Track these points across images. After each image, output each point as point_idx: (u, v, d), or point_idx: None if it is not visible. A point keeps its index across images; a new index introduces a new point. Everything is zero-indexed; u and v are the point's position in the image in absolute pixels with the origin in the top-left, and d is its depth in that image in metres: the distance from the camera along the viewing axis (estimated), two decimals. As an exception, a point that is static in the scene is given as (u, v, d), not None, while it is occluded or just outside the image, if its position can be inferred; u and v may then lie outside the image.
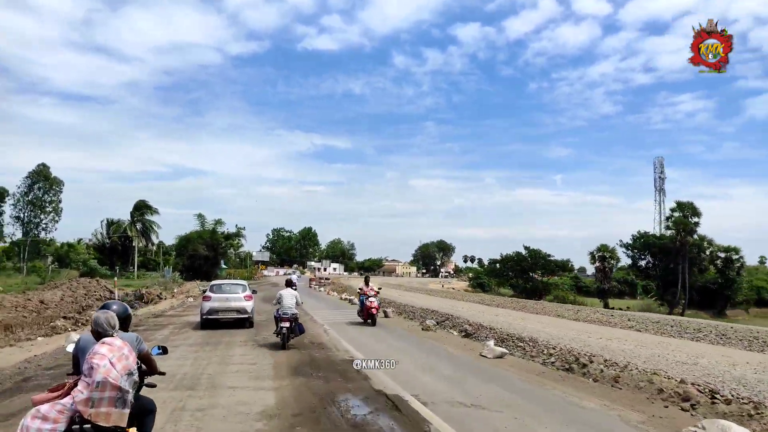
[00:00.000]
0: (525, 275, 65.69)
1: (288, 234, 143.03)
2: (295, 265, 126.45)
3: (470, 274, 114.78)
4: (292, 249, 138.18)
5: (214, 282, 17.69)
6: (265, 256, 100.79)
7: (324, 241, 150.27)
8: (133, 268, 59.44)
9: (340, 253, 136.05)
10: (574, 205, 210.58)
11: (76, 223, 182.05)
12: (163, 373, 4.29)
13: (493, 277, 76.66)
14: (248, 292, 15.95)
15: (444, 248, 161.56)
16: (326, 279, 57.60)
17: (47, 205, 62.45)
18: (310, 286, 50.43)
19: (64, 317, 17.85)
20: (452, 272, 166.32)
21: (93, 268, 54.33)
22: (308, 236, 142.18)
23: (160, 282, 44.71)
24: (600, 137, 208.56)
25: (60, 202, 64.57)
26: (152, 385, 4.16)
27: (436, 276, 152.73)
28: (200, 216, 64.89)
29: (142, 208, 63.10)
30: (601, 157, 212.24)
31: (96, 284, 31.48)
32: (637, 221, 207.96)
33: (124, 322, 3.87)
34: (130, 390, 3.38)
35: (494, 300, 45.29)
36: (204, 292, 16.92)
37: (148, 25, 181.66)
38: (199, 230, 63.44)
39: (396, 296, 38.23)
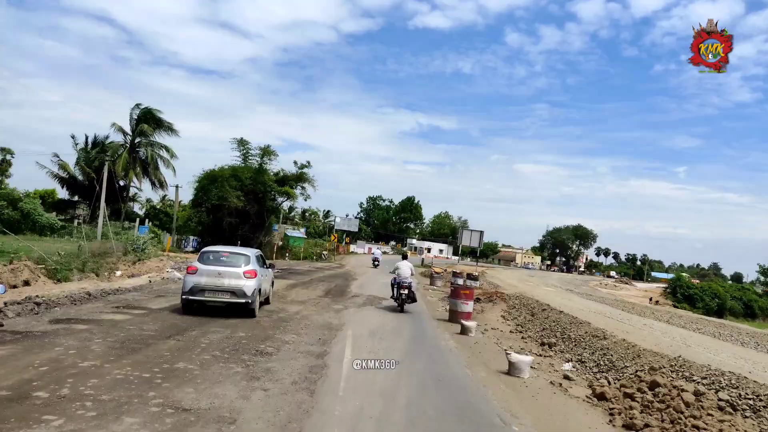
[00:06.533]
0: None
1: (386, 204, 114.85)
2: (392, 242, 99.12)
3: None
4: (389, 221, 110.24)
5: (207, 248, 11.39)
6: (353, 225, 72.94)
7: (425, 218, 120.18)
8: (117, 219, 33.90)
9: (449, 231, 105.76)
10: (698, 201, 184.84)
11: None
12: None
13: None
14: (253, 266, 10.50)
15: (582, 235, 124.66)
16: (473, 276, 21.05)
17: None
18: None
19: None
20: (584, 267, 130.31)
21: (34, 219, 29.85)
22: (409, 207, 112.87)
23: (88, 252, 18.68)
24: (733, 127, 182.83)
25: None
26: None
27: (569, 270, 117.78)
28: (242, 143, 35.78)
29: (146, 122, 37.45)
30: (733, 150, 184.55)
31: None
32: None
33: None
34: None
35: None
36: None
37: (269, 2, 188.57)
38: (236, 166, 36.15)
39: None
